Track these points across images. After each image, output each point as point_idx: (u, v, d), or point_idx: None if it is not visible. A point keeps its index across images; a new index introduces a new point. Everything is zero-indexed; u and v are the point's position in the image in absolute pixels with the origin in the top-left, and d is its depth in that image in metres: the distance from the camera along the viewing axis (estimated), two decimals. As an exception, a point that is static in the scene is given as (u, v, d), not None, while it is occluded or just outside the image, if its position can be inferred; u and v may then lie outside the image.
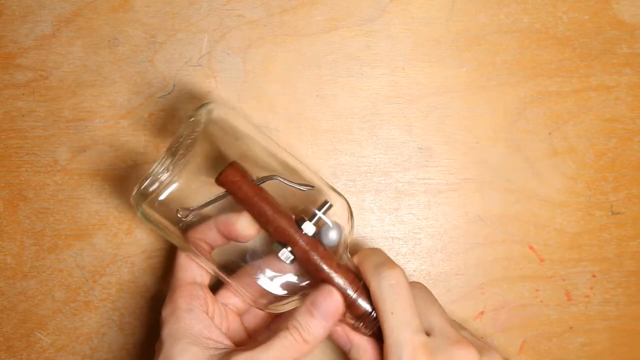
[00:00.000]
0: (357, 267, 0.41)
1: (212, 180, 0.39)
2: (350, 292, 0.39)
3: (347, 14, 0.49)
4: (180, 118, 0.48)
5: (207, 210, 0.40)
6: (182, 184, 0.39)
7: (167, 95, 0.48)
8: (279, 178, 0.39)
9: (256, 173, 0.40)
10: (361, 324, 0.40)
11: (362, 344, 0.40)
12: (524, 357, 0.48)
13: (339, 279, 0.39)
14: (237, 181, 0.39)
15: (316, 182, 0.41)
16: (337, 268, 0.39)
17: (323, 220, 0.39)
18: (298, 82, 0.49)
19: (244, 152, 0.41)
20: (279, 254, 0.39)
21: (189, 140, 0.39)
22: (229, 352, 0.37)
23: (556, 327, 0.49)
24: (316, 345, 0.38)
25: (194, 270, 0.41)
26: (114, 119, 0.48)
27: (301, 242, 0.39)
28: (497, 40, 0.49)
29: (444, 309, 0.41)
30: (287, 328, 0.38)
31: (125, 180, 0.48)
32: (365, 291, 0.40)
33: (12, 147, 0.48)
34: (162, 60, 0.48)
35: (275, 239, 0.39)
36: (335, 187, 0.43)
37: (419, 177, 0.49)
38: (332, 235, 0.39)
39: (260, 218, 0.39)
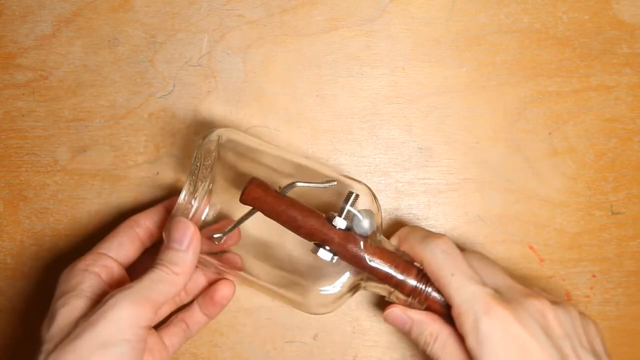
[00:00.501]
0: (395, 247, 0.42)
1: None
2: (394, 272, 0.40)
3: (347, 14, 0.49)
4: (180, 118, 0.48)
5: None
6: (211, 211, 0.41)
7: (167, 95, 0.48)
8: (299, 183, 0.40)
9: (277, 183, 0.40)
10: (414, 299, 0.40)
11: (422, 319, 0.41)
12: (524, 357, 0.48)
13: (380, 264, 0.40)
14: (260, 197, 0.39)
15: (334, 176, 0.42)
16: (375, 253, 0.40)
17: (352, 211, 0.40)
18: (298, 82, 0.49)
19: (259, 166, 0.41)
20: (319, 255, 0.39)
21: (206, 170, 0.40)
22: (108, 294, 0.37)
23: (556, 327, 0.48)
24: (186, 275, 0.38)
25: (112, 243, 0.42)
26: (114, 119, 0.48)
27: (336, 238, 0.39)
28: (497, 40, 0.49)
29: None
30: (154, 265, 0.38)
31: (125, 180, 0.48)
32: (409, 267, 0.40)
33: (12, 147, 0.48)
34: (162, 60, 0.48)
35: (312, 241, 0.40)
36: (350, 175, 0.44)
37: (419, 177, 0.49)
38: (364, 224, 0.40)
39: (291, 225, 0.40)
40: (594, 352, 0.38)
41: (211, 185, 0.40)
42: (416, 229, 0.43)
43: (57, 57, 0.48)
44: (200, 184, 0.40)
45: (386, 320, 0.42)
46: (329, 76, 0.49)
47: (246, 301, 0.48)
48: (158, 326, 0.44)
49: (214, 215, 0.42)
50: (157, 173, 0.48)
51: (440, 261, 0.39)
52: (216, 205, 0.41)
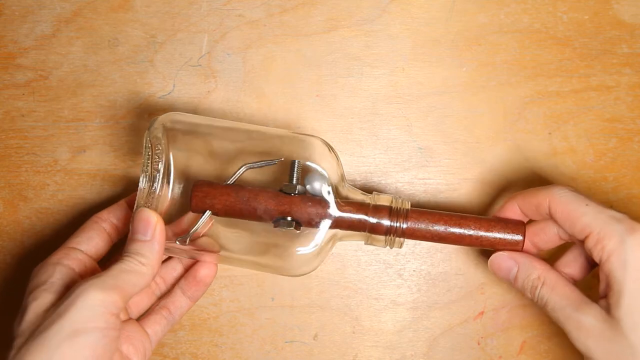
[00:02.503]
0: (362, 193, 0.42)
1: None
2: (366, 217, 0.41)
3: (347, 14, 0.49)
4: (180, 118, 0.48)
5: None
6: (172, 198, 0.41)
7: (167, 95, 0.48)
8: (245, 166, 0.40)
9: (230, 154, 0.41)
10: (392, 236, 0.41)
11: (528, 262, 0.41)
12: (524, 357, 0.48)
13: (351, 213, 0.41)
14: (208, 198, 0.40)
15: (283, 134, 0.42)
16: (341, 207, 0.41)
17: (302, 175, 0.40)
18: (298, 82, 0.49)
19: (210, 140, 0.42)
20: (282, 227, 0.40)
21: (159, 157, 0.40)
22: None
23: (556, 327, 0.48)
24: (154, 265, 0.38)
25: (81, 237, 0.42)
26: (114, 119, 0.48)
27: (294, 207, 0.40)
28: (497, 40, 0.49)
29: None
30: (121, 257, 0.38)
31: (125, 180, 0.48)
32: (379, 209, 0.41)
33: (12, 147, 0.48)
34: (162, 60, 0.48)
35: (278, 218, 0.40)
36: (304, 131, 0.45)
37: (419, 177, 0.49)
38: (316, 185, 0.40)
39: (251, 216, 0.40)
40: None
41: (168, 170, 0.40)
42: (527, 190, 0.42)
43: (57, 57, 0.48)
44: (156, 172, 0.40)
45: (491, 267, 0.42)
46: (329, 76, 0.49)
47: (246, 301, 0.48)
48: (140, 317, 0.44)
49: (177, 200, 0.41)
50: (157, 173, 0.48)
51: (571, 198, 0.39)
52: (177, 189, 0.41)
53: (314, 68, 0.49)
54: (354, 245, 0.48)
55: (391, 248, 0.42)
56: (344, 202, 0.41)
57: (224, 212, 0.40)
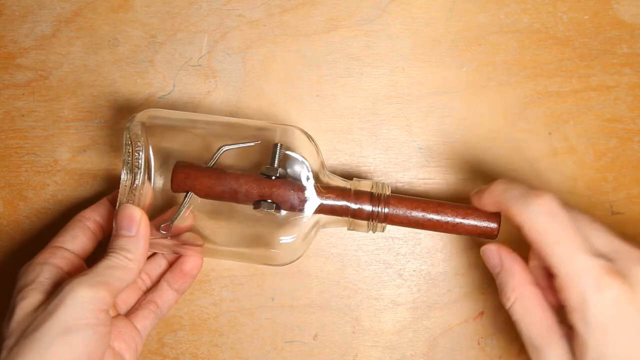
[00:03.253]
0: (342, 180, 0.43)
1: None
2: (348, 203, 0.41)
3: (347, 14, 0.49)
4: (180, 118, 0.48)
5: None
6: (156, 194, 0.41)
7: (167, 95, 0.48)
8: (224, 147, 0.41)
9: (210, 145, 0.41)
10: (374, 221, 0.41)
11: (511, 268, 0.38)
12: (524, 357, 0.48)
13: (332, 200, 0.41)
14: (189, 179, 0.40)
15: (263, 124, 0.43)
16: (325, 190, 0.41)
17: (283, 159, 0.41)
18: (298, 82, 0.49)
19: (188, 133, 0.42)
20: (263, 209, 0.40)
21: (138, 153, 0.40)
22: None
23: (556, 327, 0.49)
24: (139, 260, 0.38)
25: (65, 236, 0.42)
26: (114, 119, 0.48)
27: (274, 190, 0.40)
28: (497, 40, 0.49)
29: (606, 227, 0.37)
30: (106, 254, 0.38)
31: (125, 180, 0.48)
32: (361, 194, 0.41)
33: (12, 147, 0.48)
34: (162, 60, 0.48)
35: (258, 201, 0.40)
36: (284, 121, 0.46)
37: (419, 177, 0.49)
38: (296, 168, 0.41)
39: (231, 198, 0.40)
40: None
41: (149, 165, 0.40)
42: (513, 184, 0.38)
43: (57, 57, 0.48)
44: (137, 168, 0.40)
45: (482, 254, 0.40)
46: (329, 76, 0.49)
47: (246, 301, 0.48)
48: (128, 313, 0.44)
49: (160, 194, 0.41)
50: (157, 173, 0.48)
51: (543, 225, 0.34)
52: (159, 183, 0.41)
53: (314, 68, 0.49)
54: (354, 245, 0.48)
55: (374, 232, 0.42)
56: (324, 188, 0.41)
57: (205, 194, 0.40)
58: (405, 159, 0.49)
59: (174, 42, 0.49)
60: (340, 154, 0.49)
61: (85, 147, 0.48)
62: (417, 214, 0.42)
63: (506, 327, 0.48)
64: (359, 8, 0.49)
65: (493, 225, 0.41)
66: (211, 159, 0.41)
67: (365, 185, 0.42)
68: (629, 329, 0.32)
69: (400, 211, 0.42)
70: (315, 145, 0.43)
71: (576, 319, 0.33)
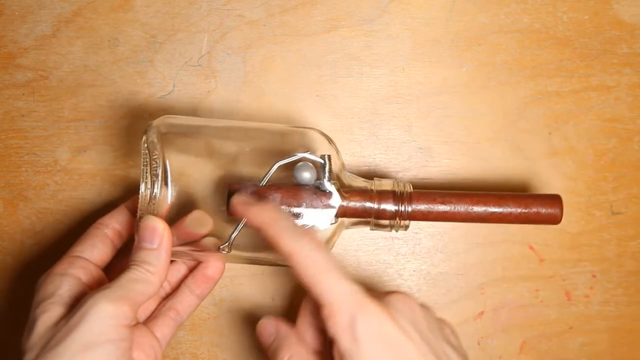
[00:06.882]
0: (363, 181, 0.43)
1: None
2: (371, 204, 0.41)
3: (347, 14, 0.49)
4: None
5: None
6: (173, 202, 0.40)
7: (167, 95, 0.48)
8: (277, 163, 0.40)
9: (226, 158, 0.41)
10: (397, 220, 0.42)
11: (287, 333, 0.39)
12: (524, 357, 0.48)
13: (355, 202, 0.41)
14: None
15: (281, 129, 0.42)
16: (344, 197, 0.41)
17: (304, 165, 0.40)
18: (298, 82, 0.49)
19: (207, 141, 0.41)
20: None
21: (156, 162, 0.39)
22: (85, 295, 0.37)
23: (556, 327, 0.49)
24: (162, 273, 0.38)
25: (84, 245, 0.41)
26: (114, 119, 0.48)
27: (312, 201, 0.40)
28: (497, 40, 0.49)
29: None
30: (129, 266, 0.38)
31: (125, 180, 0.48)
32: (384, 195, 0.41)
33: (12, 147, 0.48)
34: (162, 60, 0.49)
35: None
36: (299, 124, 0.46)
37: (419, 177, 0.49)
38: (305, 176, 0.40)
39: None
40: (455, 348, 0.38)
41: (166, 174, 0.40)
42: (280, 215, 0.38)
43: (57, 57, 0.48)
44: (155, 177, 0.39)
45: (259, 328, 0.40)
46: (329, 76, 0.49)
47: (246, 301, 0.48)
48: (147, 320, 0.44)
49: (179, 203, 0.41)
50: (157, 173, 0.48)
51: (311, 257, 0.36)
52: (177, 192, 0.41)
53: (314, 68, 0.49)
54: (354, 245, 0.48)
55: (397, 231, 0.42)
56: (346, 191, 0.41)
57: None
58: (405, 159, 0.49)
59: (174, 42, 0.49)
60: (341, 154, 0.49)
61: (85, 147, 0.48)
62: (442, 207, 0.42)
63: (506, 327, 0.48)
64: (359, 8, 0.49)
65: (535, 209, 0.43)
66: (264, 177, 0.40)
67: (386, 185, 0.42)
68: (390, 345, 0.35)
69: (425, 206, 0.42)
70: (335, 146, 0.42)
71: (346, 342, 0.35)
